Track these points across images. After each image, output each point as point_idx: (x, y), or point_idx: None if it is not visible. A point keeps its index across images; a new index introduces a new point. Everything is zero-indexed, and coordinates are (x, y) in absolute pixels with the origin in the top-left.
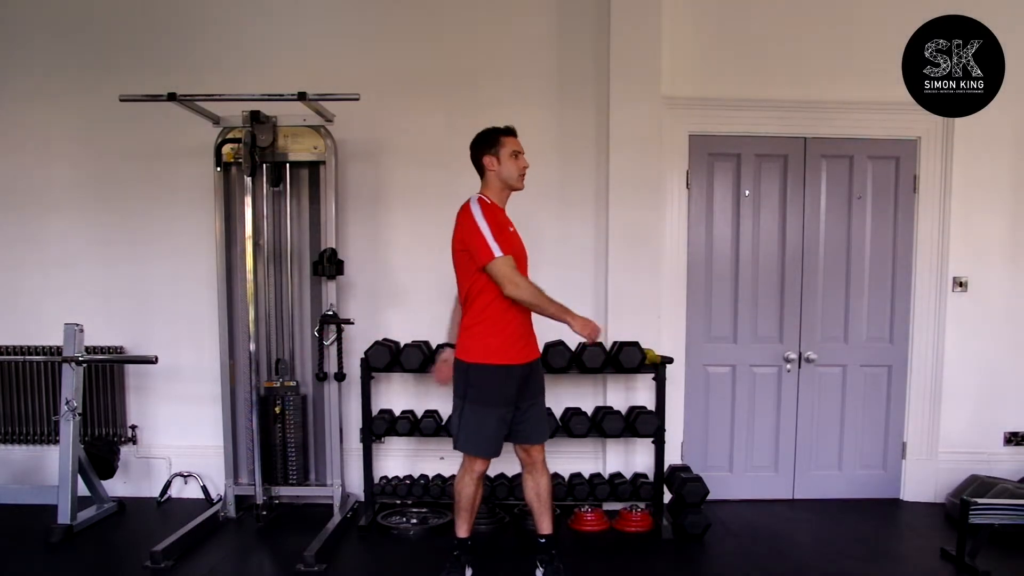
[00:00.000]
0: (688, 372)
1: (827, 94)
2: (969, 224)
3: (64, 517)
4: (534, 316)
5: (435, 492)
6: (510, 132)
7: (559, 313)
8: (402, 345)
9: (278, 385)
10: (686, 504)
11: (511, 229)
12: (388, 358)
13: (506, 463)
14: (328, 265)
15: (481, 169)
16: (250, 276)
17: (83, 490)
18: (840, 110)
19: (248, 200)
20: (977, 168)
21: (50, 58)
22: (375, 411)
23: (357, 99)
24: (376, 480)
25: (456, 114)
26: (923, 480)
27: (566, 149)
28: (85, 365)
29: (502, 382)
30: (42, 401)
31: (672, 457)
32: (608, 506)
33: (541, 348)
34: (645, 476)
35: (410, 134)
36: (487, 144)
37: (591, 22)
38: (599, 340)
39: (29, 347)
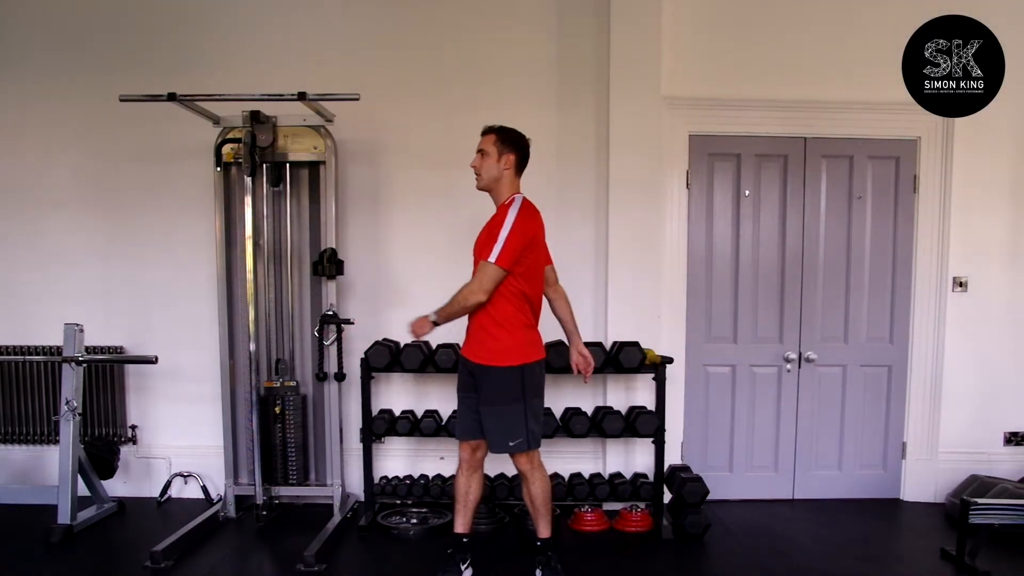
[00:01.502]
0: (688, 372)
1: (827, 94)
2: (969, 224)
3: (64, 517)
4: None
5: (435, 492)
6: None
7: None
8: (402, 345)
9: (278, 385)
10: (686, 504)
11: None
12: (388, 358)
13: (504, 463)
14: (328, 265)
15: None
16: (250, 276)
17: (83, 490)
18: (840, 110)
19: (248, 200)
20: (977, 168)
21: (51, 58)
22: (375, 411)
23: (357, 99)
24: (376, 480)
25: (456, 114)
26: (923, 480)
27: (566, 148)
28: (85, 365)
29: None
30: (42, 401)
31: (672, 457)
32: (608, 506)
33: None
34: (645, 476)
35: (410, 134)
36: None
37: (591, 22)
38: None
39: (29, 347)
